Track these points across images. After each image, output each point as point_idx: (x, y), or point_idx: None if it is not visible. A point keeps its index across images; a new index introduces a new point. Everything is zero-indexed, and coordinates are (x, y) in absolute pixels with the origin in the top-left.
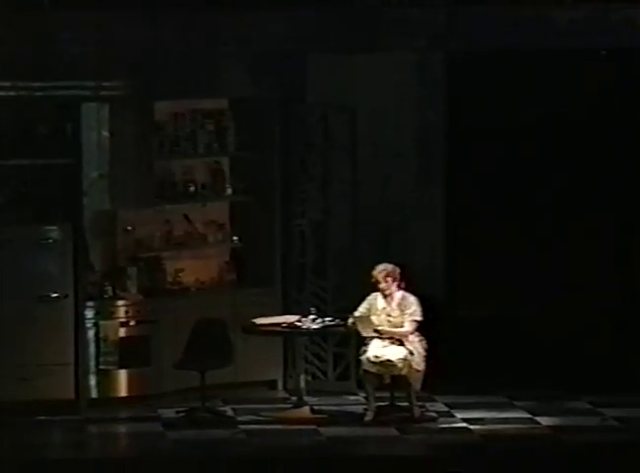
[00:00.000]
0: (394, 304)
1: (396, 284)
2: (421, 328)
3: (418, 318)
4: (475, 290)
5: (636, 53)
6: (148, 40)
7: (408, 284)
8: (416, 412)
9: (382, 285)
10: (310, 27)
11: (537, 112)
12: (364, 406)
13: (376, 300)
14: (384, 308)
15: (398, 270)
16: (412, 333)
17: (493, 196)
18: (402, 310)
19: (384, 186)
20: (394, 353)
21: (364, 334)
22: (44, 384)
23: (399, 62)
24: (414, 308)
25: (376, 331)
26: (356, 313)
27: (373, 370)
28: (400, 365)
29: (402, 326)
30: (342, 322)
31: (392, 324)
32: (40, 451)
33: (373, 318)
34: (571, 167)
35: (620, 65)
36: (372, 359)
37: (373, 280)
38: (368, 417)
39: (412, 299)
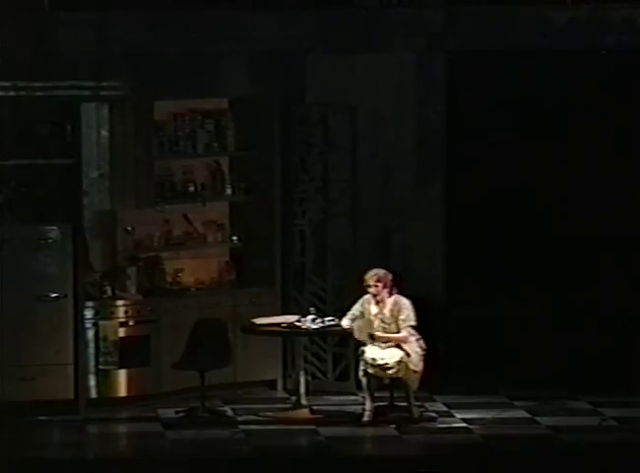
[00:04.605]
0: (386, 310)
1: (387, 290)
2: (420, 328)
3: (413, 323)
4: (475, 290)
5: (636, 53)
6: (148, 40)
7: (405, 286)
8: (415, 412)
9: (372, 289)
10: (310, 27)
11: (537, 112)
12: (363, 406)
13: (370, 304)
14: (377, 314)
15: (390, 276)
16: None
17: (493, 196)
18: (394, 316)
19: (384, 186)
20: (391, 355)
21: (360, 338)
22: (44, 384)
23: (399, 62)
24: (407, 313)
25: (371, 336)
26: (349, 315)
27: (371, 371)
28: (397, 367)
29: (396, 331)
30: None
31: (386, 330)
32: (40, 451)
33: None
34: (571, 166)
35: (620, 65)
36: (370, 361)
37: (364, 284)
38: (366, 418)
39: (405, 303)
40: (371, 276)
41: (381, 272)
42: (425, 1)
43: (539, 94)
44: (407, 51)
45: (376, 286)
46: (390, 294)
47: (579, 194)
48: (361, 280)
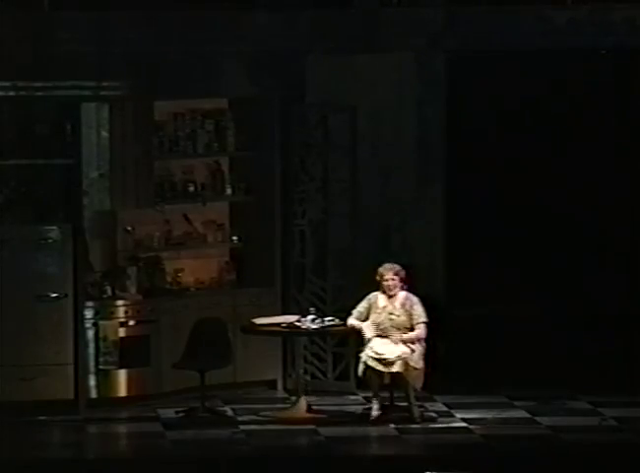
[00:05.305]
0: (397, 304)
1: (401, 285)
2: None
3: (426, 320)
4: (475, 289)
5: (636, 53)
6: (148, 40)
7: (409, 285)
8: (416, 412)
9: (389, 282)
10: (310, 27)
11: (536, 112)
12: (364, 406)
13: (377, 298)
14: (385, 307)
15: (404, 271)
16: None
17: (493, 196)
18: (407, 310)
19: (384, 186)
20: (392, 351)
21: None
22: (44, 384)
23: (399, 62)
24: (420, 310)
25: (379, 333)
26: (355, 313)
27: (372, 364)
28: (397, 362)
29: (406, 326)
30: (341, 322)
31: (394, 323)
32: (40, 451)
33: (374, 317)
34: (571, 166)
35: (620, 65)
36: (372, 355)
37: (378, 277)
38: (375, 411)
39: (416, 299)
40: (389, 269)
41: (397, 266)
42: (425, 1)
43: (538, 94)
44: (407, 51)
45: (393, 279)
46: (401, 288)
47: (579, 194)
48: (375, 273)
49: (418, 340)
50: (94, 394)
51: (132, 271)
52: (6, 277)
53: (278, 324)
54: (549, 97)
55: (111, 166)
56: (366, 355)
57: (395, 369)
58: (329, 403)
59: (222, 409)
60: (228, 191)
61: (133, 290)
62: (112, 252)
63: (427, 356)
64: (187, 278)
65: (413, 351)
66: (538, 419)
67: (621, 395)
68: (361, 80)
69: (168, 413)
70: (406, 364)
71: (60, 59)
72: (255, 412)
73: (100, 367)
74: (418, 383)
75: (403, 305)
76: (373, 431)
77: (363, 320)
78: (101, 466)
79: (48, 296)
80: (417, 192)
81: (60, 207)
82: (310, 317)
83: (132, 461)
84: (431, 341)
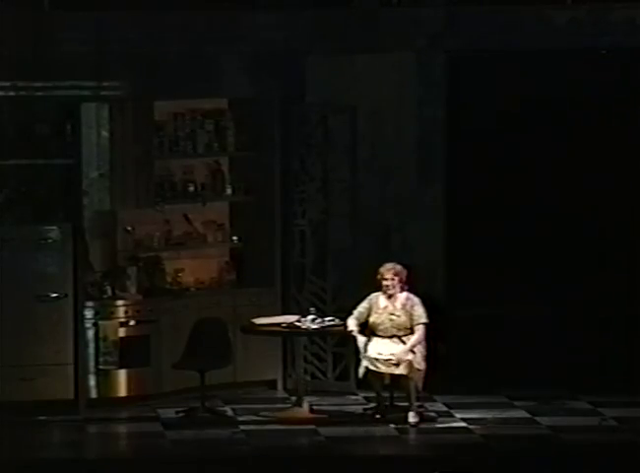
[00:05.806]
0: (398, 304)
1: (400, 285)
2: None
3: (426, 321)
4: (475, 289)
5: (636, 53)
6: (148, 40)
7: (410, 285)
8: (411, 416)
9: (388, 282)
10: (310, 27)
11: (536, 112)
12: (364, 406)
13: (378, 298)
14: (386, 307)
15: (405, 272)
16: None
17: (493, 196)
18: (407, 311)
19: (384, 186)
20: (393, 351)
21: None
22: (44, 384)
23: (399, 62)
24: (420, 311)
25: (374, 332)
26: (356, 313)
27: (373, 367)
28: (402, 364)
29: (406, 327)
30: (341, 322)
31: (395, 323)
32: (40, 451)
33: (374, 317)
34: (571, 166)
35: (620, 65)
36: (375, 355)
37: (379, 276)
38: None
39: (417, 300)
40: (388, 269)
41: (398, 266)
42: (425, 1)
43: (538, 94)
44: (407, 51)
45: (392, 279)
46: (402, 289)
47: (579, 194)
48: (376, 273)
49: (419, 343)
50: (94, 394)
51: (132, 271)
52: (6, 277)
53: (278, 324)
54: (549, 97)
55: (111, 166)
56: (368, 359)
57: (399, 371)
58: (329, 403)
59: (222, 409)
60: (228, 191)
61: (133, 290)
62: (112, 252)
63: (428, 356)
64: (187, 278)
65: (413, 352)
66: (538, 419)
67: (621, 395)
68: (361, 80)
69: (168, 413)
70: (410, 365)
71: (60, 59)
72: (255, 412)
73: (100, 367)
74: (420, 384)
75: (404, 306)
76: (373, 431)
77: (364, 320)
78: (101, 466)
79: (48, 296)
80: (417, 192)
81: (60, 207)
82: (310, 317)
83: (132, 461)
84: (432, 341)
